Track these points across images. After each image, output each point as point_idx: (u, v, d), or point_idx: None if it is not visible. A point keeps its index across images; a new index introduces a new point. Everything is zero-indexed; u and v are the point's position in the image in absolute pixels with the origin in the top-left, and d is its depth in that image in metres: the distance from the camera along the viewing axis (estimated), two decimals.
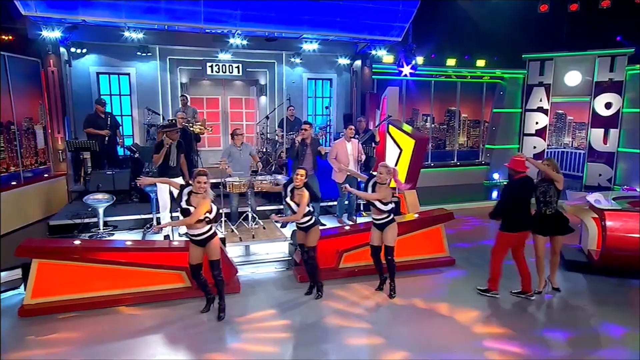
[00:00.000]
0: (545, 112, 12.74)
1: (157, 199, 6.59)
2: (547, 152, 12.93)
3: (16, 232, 6.96)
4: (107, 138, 8.16)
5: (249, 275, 5.99)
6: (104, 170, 8.05)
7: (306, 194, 5.12)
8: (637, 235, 5.59)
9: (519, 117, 12.89)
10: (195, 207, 4.53)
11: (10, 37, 7.64)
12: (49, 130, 8.49)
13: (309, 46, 9.75)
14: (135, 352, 4.18)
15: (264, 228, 7.08)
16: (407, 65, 10.03)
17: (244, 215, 6.94)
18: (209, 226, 4.66)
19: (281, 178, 7.34)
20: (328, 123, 10.38)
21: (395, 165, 8.86)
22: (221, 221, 6.66)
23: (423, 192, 8.36)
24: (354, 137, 7.29)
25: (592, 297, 5.51)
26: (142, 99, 9.49)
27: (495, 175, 12.95)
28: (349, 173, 6.99)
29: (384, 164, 5.36)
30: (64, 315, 4.89)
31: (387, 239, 5.29)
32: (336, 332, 4.59)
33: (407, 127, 8.90)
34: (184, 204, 4.58)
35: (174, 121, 7.32)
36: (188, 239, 4.78)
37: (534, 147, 12.92)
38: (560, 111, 12.90)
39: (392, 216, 5.31)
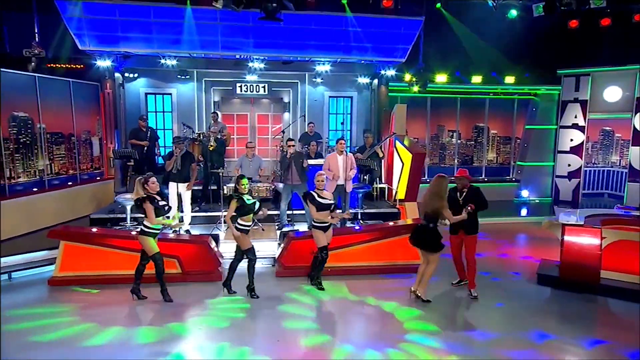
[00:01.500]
0: (581, 129, 12.32)
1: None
2: (585, 170, 12.43)
3: (69, 222, 8.47)
4: (145, 148, 9.56)
5: (238, 268, 6.79)
6: (143, 175, 9.33)
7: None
8: (594, 250, 5.62)
9: (553, 134, 12.59)
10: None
11: (75, 66, 9.44)
12: (104, 141, 10.20)
13: (322, 67, 10.49)
14: (127, 318, 5.26)
15: (263, 230, 7.98)
16: (417, 84, 10.43)
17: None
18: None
19: (281, 186, 8.21)
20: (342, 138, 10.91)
21: (399, 178, 9.43)
22: (223, 222, 7.66)
23: None
24: (347, 152, 7.77)
25: (538, 307, 5.65)
26: (181, 115, 10.80)
27: (524, 193, 12.71)
28: (339, 183, 7.55)
29: (320, 173, 6.01)
30: (81, 288, 6.13)
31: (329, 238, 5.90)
32: (282, 317, 5.30)
33: (408, 142, 9.36)
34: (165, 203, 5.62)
35: (197, 135, 8.48)
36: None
37: (569, 165, 12.50)
38: (607, 128, 12.31)
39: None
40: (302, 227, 8.07)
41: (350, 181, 7.71)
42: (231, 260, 5.87)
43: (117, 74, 10.27)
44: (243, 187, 5.54)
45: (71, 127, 9.30)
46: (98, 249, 6.33)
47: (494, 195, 12.40)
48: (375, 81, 11.21)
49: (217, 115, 10.23)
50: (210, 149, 8.50)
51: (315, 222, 5.97)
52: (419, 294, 5.70)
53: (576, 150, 12.41)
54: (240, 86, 10.83)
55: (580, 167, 12.39)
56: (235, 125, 11.41)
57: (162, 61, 9.90)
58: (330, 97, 11.50)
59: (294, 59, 10.04)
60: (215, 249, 6.70)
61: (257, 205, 5.66)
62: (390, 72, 10.51)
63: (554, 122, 12.61)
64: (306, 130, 10.32)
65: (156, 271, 5.53)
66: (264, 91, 10.89)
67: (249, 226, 5.60)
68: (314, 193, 5.94)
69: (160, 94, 10.99)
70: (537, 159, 12.76)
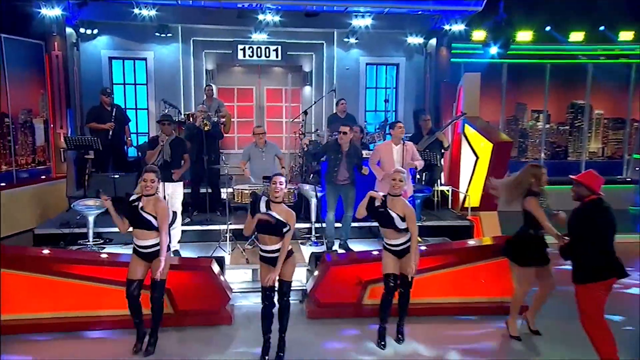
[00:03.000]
0: None
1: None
2: None
3: (3, 240, 7.90)
4: (110, 133, 9.03)
5: (251, 306, 6.30)
6: (107, 173, 8.92)
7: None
8: None
9: None
10: (148, 213, 5.07)
11: (11, 17, 8.95)
12: (51, 125, 9.71)
13: (361, 22, 10.07)
14: None
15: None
16: (495, 44, 9.92)
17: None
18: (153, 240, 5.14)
19: (308, 188, 7.71)
20: (385, 122, 10.60)
21: (471, 177, 8.95)
22: (227, 239, 7.26)
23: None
24: (405, 140, 7.38)
25: None
26: (161, 89, 10.47)
27: None
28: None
29: (399, 169, 5.60)
30: (25, 338, 5.56)
31: (406, 266, 5.45)
32: None
33: (487, 127, 8.95)
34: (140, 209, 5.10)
35: (186, 117, 8.01)
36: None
37: None
38: None
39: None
40: (358, 245, 7.77)
41: (409, 182, 7.31)
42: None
43: (69, 29, 9.80)
44: (276, 192, 5.01)
45: (4, 105, 8.81)
46: (52, 280, 5.80)
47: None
48: (433, 41, 10.84)
49: (212, 89, 9.82)
50: (206, 128, 8.02)
51: (385, 242, 5.54)
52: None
53: None
54: (244, 49, 10.56)
55: None
56: (236, 103, 11.09)
57: (135, 11, 9.43)
58: (367, 64, 11.28)
59: (319, 9, 9.57)
60: (221, 277, 6.21)
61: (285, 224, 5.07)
62: (459, 27, 10.00)
63: None
64: (335, 111, 9.88)
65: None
66: (277, 56, 10.61)
67: (273, 252, 5.07)
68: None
69: (131, 59, 10.69)
70: None
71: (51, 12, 9.17)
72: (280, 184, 4.97)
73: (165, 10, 9.75)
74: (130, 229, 5.22)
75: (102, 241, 7.74)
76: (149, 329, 5.31)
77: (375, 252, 6.64)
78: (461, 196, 9.28)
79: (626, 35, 11.59)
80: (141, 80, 10.72)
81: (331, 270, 6.26)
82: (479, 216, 8.58)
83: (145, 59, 10.64)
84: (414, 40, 10.94)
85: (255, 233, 5.22)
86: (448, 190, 9.57)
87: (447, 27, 10.14)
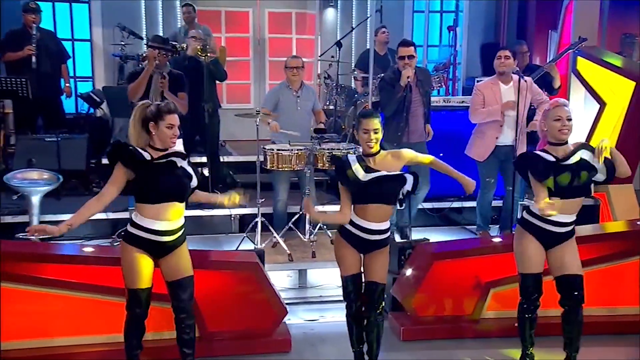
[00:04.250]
0: None
1: None
2: None
3: None
4: (33, 60, 8.56)
5: (306, 325, 6.19)
6: (40, 135, 8.55)
7: None
8: None
9: None
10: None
11: None
12: None
13: None
14: None
15: (332, 243, 7.07)
16: None
17: (296, 217, 7.25)
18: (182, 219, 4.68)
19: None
20: (450, 60, 10.39)
21: (591, 134, 8.94)
22: (255, 227, 7.02)
23: None
24: (517, 74, 7.25)
25: None
26: (111, 12, 10.03)
27: None
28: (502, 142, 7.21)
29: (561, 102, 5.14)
30: None
31: (570, 260, 5.04)
32: None
33: (617, 60, 8.88)
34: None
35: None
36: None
37: None
38: None
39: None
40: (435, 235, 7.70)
41: (524, 137, 7.37)
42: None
43: None
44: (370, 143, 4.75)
45: None
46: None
47: None
48: None
49: (194, 10, 9.68)
50: (206, 59, 7.86)
51: (528, 214, 5.12)
52: None
53: None
54: None
55: None
56: (224, 34, 10.98)
57: None
58: None
59: None
60: (271, 281, 5.91)
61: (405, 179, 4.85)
62: None
63: None
64: (374, 44, 9.66)
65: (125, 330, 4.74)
66: None
67: (375, 233, 4.82)
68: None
69: None
70: None
71: None
72: (376, 133, 4.72)
73: None
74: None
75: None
76: None
77: (498, 239, 6.53)
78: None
79: None
80: None
81: (435, 266, 5.99)
82: (607, 191, 8.47)
83: None
84: None
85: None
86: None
87: None
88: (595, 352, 5.63)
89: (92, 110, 9.66)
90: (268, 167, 6.88)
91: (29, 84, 8.26)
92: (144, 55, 7.64)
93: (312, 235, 7.01)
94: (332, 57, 10.05)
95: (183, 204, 4.60)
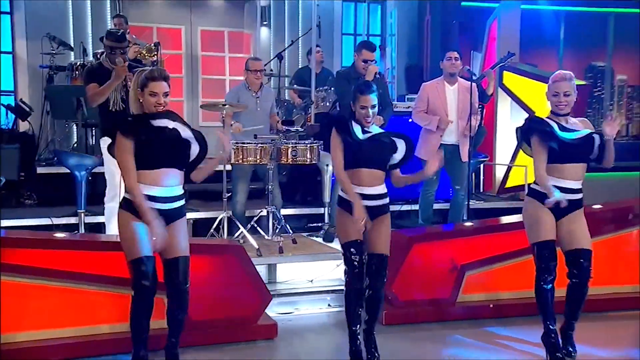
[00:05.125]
0: None
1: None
2: None
3: None
4: None
5: (282, 317, 5.97)
6: None
7: None
8: None
9: None
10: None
11: None
12: None
13: None
14: None
15: (294, 242, 7.15)
16: None
17: (259, 215, 7.04)
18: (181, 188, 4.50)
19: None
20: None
21: (519, 146, 9.07)
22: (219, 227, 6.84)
23: None
24: (469, 72, 7.42)
25: None
26: (36, 24, 9.62)
27: None
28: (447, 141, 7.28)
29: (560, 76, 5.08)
30: None
31: (581, 233, 5.01)
32: None
33: (537, 70, 9.45)
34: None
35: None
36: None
37: None
38: None
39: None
40: None
41: (467, 139, 7.44)
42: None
43: None
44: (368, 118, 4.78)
45: None
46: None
47: (622, 195, 12.43)
48: None
49: (125, 22, 9.42)
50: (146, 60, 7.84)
51: (536, 184, 5.07)
52: None
53: None
54: None
55: None
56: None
57: None
58: (344, 1, 11.43)
59: None
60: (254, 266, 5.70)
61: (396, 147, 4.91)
62: None
63: None
64: (307, 65, 9.94)
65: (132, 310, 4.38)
66: None
67: (373, 199, 4.80)
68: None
69: None
70: None
71: None
72: (374, 108, 4.77)
73: None
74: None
75: None
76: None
77: (469, 223, 6.60)
78: (500, 172, 9.46)
79: None
80: (3, 8, 9.81)
81: (414, 249, 5.93)
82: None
83: None
84: None
85: None
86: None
87: None
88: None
89: (14, 125, 9.21)
90: (232, 161, 6.60)
91: None
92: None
93: (275, 236, 6.87)
94: (272, 70, 9.94)
95: (182, 172, 4.40)
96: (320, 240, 7.51)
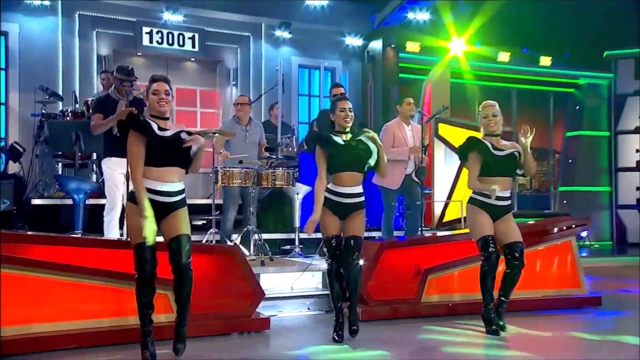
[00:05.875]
0: None
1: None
2: None
3: None
4: None
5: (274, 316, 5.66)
6: None
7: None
8: None
9: (606, 144, 13.39)
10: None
11: None
12: None
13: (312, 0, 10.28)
14: None
15: (271, 259, 6.76)
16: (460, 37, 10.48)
17: (243, 232, 6.82)
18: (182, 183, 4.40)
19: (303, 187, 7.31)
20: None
21: (454, 184, 9.49)
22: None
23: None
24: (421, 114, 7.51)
25: None
26: (29, 77, 9.34)
27: (583, 233, 13.00)
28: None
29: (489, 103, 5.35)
30: None
31: (514, 230, 5.18)
32: None
33: (467, 121, 9.61)
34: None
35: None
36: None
37: (637, 189, 12.94)
38: None
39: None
40: None
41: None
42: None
43: None
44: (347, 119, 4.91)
45: None
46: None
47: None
48: (376, 44, 11.24)
49: (111, 76, 8.96)
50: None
51: (481, 197, 5.19)
52: None
53: None
54: (150, 33, 10.12)
55: None
56: None
57: None
58: (300, 66, 11.47)
59: None
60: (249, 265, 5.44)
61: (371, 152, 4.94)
62: (424, 16, 10.39)
63: (605, 127, 13.52)
64: (271, 116, 9.80)
65: (137, 291, 4.27)
66: (193, 45, 10.38)
67: (351, 197, 4.89)
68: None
69: None
70: (588, 181, 13.29)
71: None
72: (351, 111, 4.90)
73: None
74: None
75: None
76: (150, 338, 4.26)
77: (429, 234, 6.60)
78: (438, 208, 9.45)
79: (545, 61, 12.97)
80: None
81: (385, 255, 5.84)
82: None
83: (5, 34, 9.37)
84: (353, 41, 11.30)
85: None
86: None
87: (410, 14, 10.52)
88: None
89: (5, 168, 8.68)
90: (220, 184, 6.45)
91: None
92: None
93: (254, 250, 6.61)
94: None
95: (184, 170, 4.33)
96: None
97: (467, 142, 5.25)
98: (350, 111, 4.85)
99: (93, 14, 9.74)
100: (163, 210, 4.18)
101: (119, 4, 9.70)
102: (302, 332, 5.25)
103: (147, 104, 4.34)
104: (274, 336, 5.02)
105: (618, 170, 13.29)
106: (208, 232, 6.59)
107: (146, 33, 9.85)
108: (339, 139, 4.76)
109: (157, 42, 9.92)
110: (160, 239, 4.30)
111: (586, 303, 6.25)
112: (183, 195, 4.31)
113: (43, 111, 8.81)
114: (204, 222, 7.31)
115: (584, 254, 11.76)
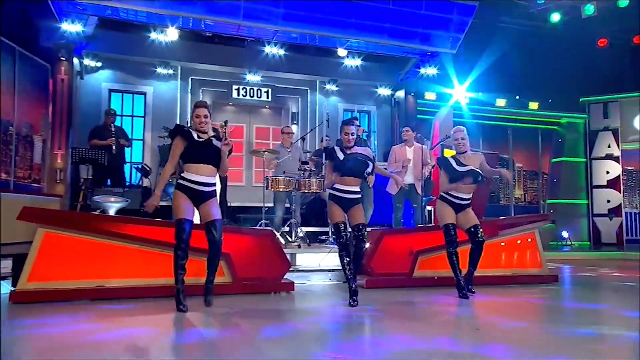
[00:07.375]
0: (616, 159, 12.62)
1: None
2: (626, 212, 12.52)
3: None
4: (113, 148, 8.04)
5: (299, 286, 5.54)
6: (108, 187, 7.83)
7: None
8: None
9: (583, 168, 12.92)
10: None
11: (26, 31, 7.88)
12: (48, 145, 8.33)
13: (352, 62, 10.22)
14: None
15: (308, 244, 6.80)
16: (461, 84, 10.24)
17: (287, 224, 6.85)
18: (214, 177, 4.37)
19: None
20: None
21: None
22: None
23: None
24: (419, 140, 7.17)
25: None
26: (158, 122, 9.43)
27: (565, 234, 12.55)
28: (408, 181, 6.91)
29: (458, 128, 5.29)
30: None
31: (472, 217, 5.09)
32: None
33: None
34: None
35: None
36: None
37: (608, 202, 12.59)
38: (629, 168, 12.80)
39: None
40: None
41: (420, 181, 7.03)
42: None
43: (75, 60, 8.78)
44: (349, 140, 4.73)
45: (11, 113, 7.44)
46: (101, 243, 4.61)
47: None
48: (400, 93, 11.04)
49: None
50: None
51: (447, 195, 5.15)
52: None
53: (614, 183, 12.60)
54: (238, 89, 10.07)
55: (621, 204, 12.52)
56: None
57: (153, 35, 8.82)
58: (344, 110, 11.20)
59: (320, 44, 9.60)
60: (281, 245, 5.45)
61: (367, 164, 4.72)
62: (432, 70, 10.20)
63: (582, 155, 12.99)
64: (320, 147, 9.48)
65: (174, 255, 4.20)
66: (267, 97, 10.24)
67: (351, 193, 4.70)
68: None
69: (130, 93, 9.75)
70: (569, 195, 12.86)
71: (72, 28, 8.20)
72: (352, 135, 4.72)
73: (170, 50, 9.29)
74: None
75: None
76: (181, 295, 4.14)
77: (421, 225, 6.41)
78: None
79: (533, 105, 12.63)
80: (139, 113, 9.77)
81: (385, 240, 5.75)
82: None
83: (144, 93, 9.75)
84: (383, 91, 11.15)
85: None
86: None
87: (422, 70, 10.29)
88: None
89: (140, 182, 8.86)
90: (269, 189, 6.50)
91: (105, 155, 7.71)
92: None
93: (295, 239, 6.69)
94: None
95: (215, 169, 4.26)
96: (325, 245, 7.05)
97: (439, 159, 5.31)
98: (352, 135, 4.69)
99: (200, 78, 9.98)
100: (199, 197, 4.19)
101: (217, 70, 9.92)
102: (322, 295, 5.23)
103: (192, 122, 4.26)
104: (300, 297, 5.00)
105: (593, 187, 12.89)
106: (259, 224, 6.63)
107: (235, 89, 9.96)
108: (340, 153, 4.65)
109: (242, 95, 9.99)
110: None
111: (545, 280, 6.05)
112: (213, 188, 4.30)
113: (164, 143, 9.29)
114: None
115: (567, 250, 11.52)
